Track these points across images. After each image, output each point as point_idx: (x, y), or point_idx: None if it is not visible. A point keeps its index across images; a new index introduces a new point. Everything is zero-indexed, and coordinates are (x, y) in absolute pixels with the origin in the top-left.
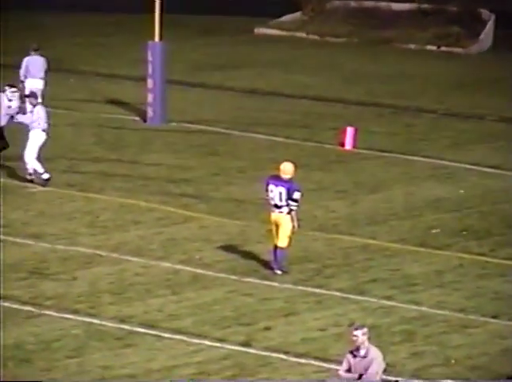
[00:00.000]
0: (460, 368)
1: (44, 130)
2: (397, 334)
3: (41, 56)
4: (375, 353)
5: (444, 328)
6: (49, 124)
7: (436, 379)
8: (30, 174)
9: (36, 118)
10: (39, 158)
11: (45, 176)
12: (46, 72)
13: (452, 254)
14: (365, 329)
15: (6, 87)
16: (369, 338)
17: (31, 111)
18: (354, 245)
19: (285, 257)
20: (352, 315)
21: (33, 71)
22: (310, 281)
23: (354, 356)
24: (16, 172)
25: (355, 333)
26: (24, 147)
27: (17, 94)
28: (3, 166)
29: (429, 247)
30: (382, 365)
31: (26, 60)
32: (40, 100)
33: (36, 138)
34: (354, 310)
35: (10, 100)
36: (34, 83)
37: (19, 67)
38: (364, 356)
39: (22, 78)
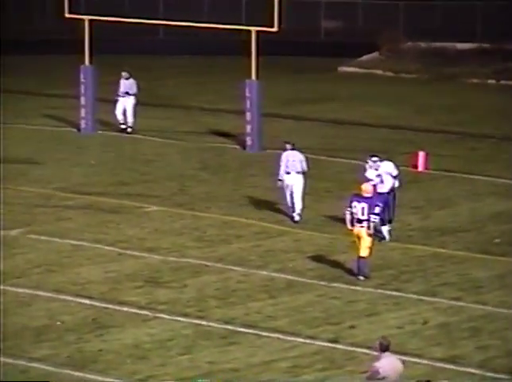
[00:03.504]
0: None
1: (298, 173)
2: (465, 330)
3: (133, 79)
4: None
5: (506, 324)
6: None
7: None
8: (296, 212)
9: (295, 161)
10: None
11: (296, 218)
12: (136, 90)
13: None
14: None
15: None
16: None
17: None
18: (427, 254)
19: (366, 265)
20: (425, 314)
21: (125, 90)
22: (388, 285)
23: None
24: (126, 195)
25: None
26: None
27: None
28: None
29: (492, 254)
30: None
31: (122, 82)
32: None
33: (298, 183)
34: (428, 310)
35: (376, 169)
36: (129, 101)
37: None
38: None
39: (120, 95)
